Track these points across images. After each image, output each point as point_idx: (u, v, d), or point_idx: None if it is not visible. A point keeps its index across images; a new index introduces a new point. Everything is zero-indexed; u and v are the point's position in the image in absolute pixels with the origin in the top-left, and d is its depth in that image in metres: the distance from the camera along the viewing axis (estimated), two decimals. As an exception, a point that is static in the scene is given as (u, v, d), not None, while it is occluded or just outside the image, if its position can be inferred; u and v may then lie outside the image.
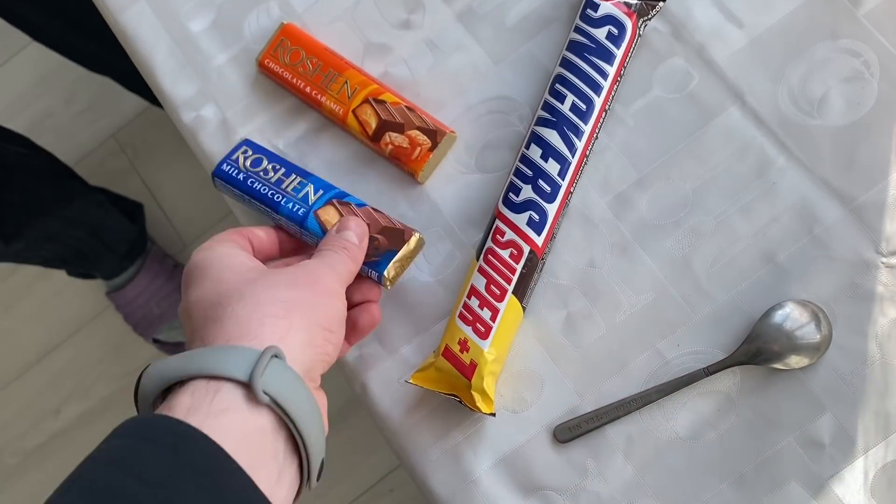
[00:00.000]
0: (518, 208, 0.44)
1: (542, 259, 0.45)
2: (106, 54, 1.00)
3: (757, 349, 0.43)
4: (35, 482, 1.20)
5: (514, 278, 0.44)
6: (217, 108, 0.51)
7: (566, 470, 0.44)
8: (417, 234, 0.44)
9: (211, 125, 0.51)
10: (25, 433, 1.21)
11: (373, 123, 0.48)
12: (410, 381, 0.44)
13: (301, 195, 0.45)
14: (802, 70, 0.46)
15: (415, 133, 0.47)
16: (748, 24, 0.47)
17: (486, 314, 0.43)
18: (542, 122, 0.46)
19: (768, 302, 0.43)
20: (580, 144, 0.45)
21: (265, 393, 0.32)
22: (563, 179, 0.45)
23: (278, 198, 0.45)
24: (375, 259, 0.43)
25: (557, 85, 0.46)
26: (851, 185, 0.44)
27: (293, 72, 0.49)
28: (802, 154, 0.45)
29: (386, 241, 0.44)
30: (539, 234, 0.44)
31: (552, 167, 0.45)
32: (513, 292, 0.44)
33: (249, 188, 0.46)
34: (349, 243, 0.42)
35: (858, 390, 0.42)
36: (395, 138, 0.47)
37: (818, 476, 0.42)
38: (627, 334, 0.45)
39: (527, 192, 0.45)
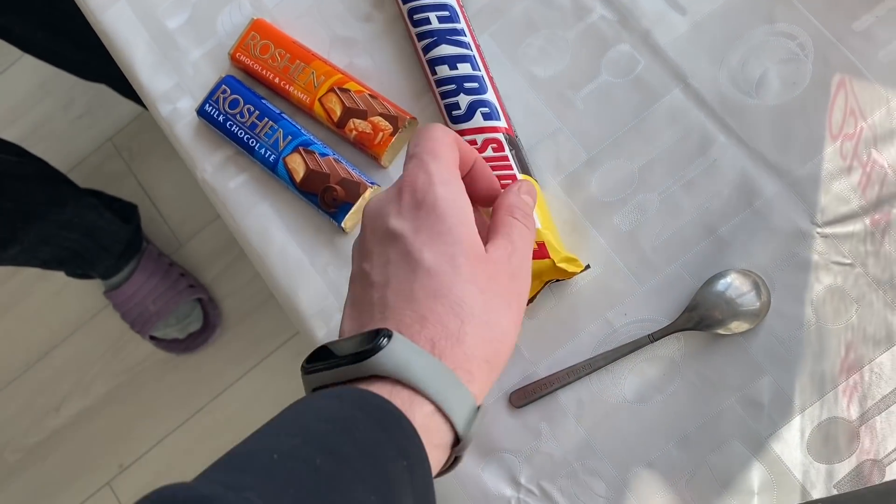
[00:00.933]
0: (467, 115, 0.47)
1: (517, 136, 0.48)
2: (96, 61, 1.03)
3: (700, 316, 0.45)
4: (36, 479, 1.23)
5: (512, 162, 0.47)
6: (193, 100, 0.54)
7: (521, 433, 0.47)
8: (373, 187, 0.47)
9: (187, 117, 0.54)
10: (27, 430, 1.24)
11: (338, 111, 0.51)
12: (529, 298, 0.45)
13: (272, 141, 0.49)
14: (741, 53, 0.48)
15: (377, 119, 0.50)
16: (690, 11, 0.49)
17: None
18: (428, 48, 0.49)
19: (711, 272, 0.46)
20: (468, 39, 0.49)
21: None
22: (479, 70, 0.48)
23: (252, 142, 0.49)
24: (334, 210, 0.46)
25: (414, 16, 0.49)
26: (788, 161, 0.47)
27: (263, 64, 0.52)
28: (742, 132, 0.47)
29: (343, 193, 0.47)
30: (499, 119, 0.47)
31: (464, 69, 0.48)
32: (521, 172, 0.47)
33: (228, 130, 0.50)
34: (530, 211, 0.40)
35: (795, 353, 0.45)
36: (358, 124, 0.50)
37: (758, 434, 0.44)
38: (578, 305, 0.47)
39: (462, 99, 0.48)
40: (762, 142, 0.47)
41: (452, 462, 0.36)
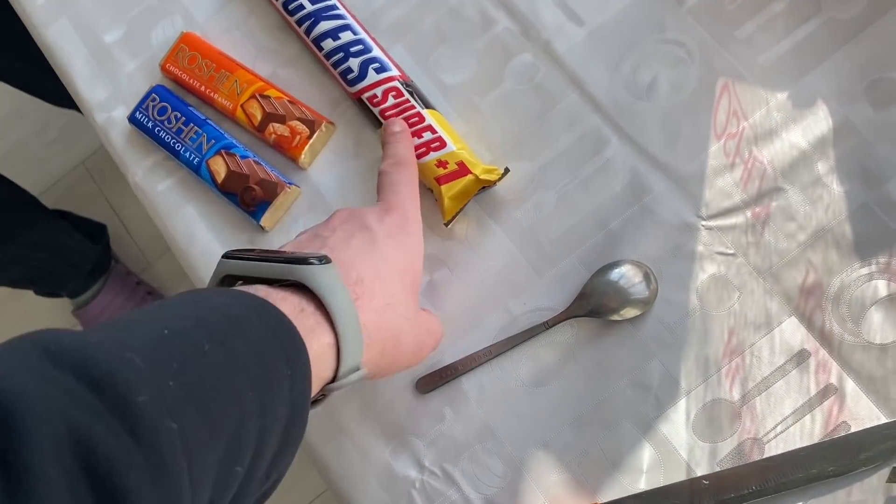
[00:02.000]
0: (361, 75, 0.52)
1: (411, 80, 0.52)
2: (65, 89, 1.07)
3: (592, 304, 0.48)
4: None
5: (413, 102, 0.51)
6: (126, 108, 0.57)
7: (426, 418, 0.49)
8: (290, 187, 0.50)
9: (120, 125, 0.57)
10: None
11: (258, 116, 0.54)
12: (445, 222, 0.49)
13: (196, 145, 0.52)
14: (634, 59, 0.51)
15: (295, 123, 0.53)
16: (587, 21, 0.53)
17: (427, 136, 0.50)
18: (309, 29, 0.53)
19: (603, 262, 0.49)
20: (342, 11, 0.53)
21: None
22: (359, 34, 0.52)
23: (178, 146, 0.52)
24: (252, 209, 0.49)
25: (289, 6, 0.53)
26: (676, 159, 0.50)
27: (190, 73, 0.55)
28: (634, 133, 0.50)
29: (262, 192, 0.50)
30: (390, 70, 0.51)
31: (346, 36, 0.52)
32: (423, 107, 0.51)
33: (156, 136, 0.53)
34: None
35: (681, 338, 0.47)
36: (278, 128, 0.53)
37: (646, 416, 0.47)
38: (481, 296, 0.50)
39: (352, 63, 0.52)
40: (652, 142, 0.50)
41: (317, 400, 0.39)
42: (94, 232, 1.19)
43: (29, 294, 1.24)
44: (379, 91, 0.51)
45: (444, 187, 0.49)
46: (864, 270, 0.46)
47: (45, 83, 1.07)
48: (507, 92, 0.53)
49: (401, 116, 0.50)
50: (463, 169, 0.49)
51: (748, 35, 0.50)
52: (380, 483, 0.48)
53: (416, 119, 0.50)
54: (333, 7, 0.53)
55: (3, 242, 1.01)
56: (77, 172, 1.33)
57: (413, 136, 0.50)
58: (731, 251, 0.48)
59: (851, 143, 0.48)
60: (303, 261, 0.37)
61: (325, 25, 0.53)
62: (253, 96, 0.54)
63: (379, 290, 0.40)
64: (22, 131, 1.35)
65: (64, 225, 1.11)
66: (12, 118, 1.35)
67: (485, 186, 0.50)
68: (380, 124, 0.51)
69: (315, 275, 0.37)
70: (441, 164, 0.49)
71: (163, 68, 0.56)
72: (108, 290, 1.20)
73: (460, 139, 0.51)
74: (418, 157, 0.50)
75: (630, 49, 0.52)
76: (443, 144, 0.50)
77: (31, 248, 1.07)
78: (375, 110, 0.51)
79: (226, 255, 0.40)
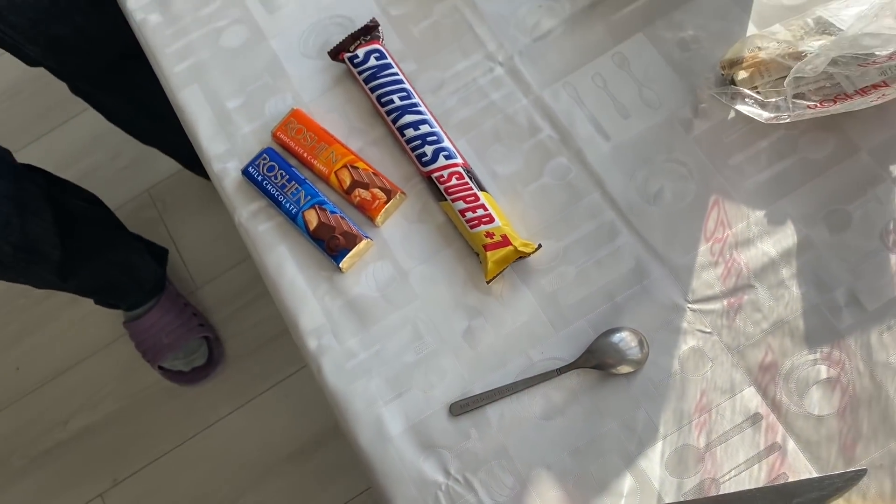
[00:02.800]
0: (433, 159, 0.66)
1: (470, 168, 0.66)
2: (160, 131, 1.22)
3: (596, 359, 0.61)
4: (36, 484, 1.34)
5: (472, 185, 0.65)
6: (239, 162, 0.71)
7: (455, 435, 0.61)
8: (365, 240, 0.64)
9: (233, 174, 0.71)
10: (35, 440, 1.37)
11: (347, 181, 0.68)
12: (487, 280, 0.63)
13: (295, 198, 0.66)
14: (646, 171, 0.65)
15: (376, 190, 0.67)
16: (613, 137, 0.67)
17: (480, 212, 0.63)
18: (396, 118, 0.68)
19: (607, 327, 0.62)
20: (423, 108, 0.68)
21: None
22: (435, 128, 0.67)
23: (281, 198, 0.66)
24: (335, 254, 0.63)
25: (382, 99, 0.68)
26: (672, 253, 0.63)
27: (296, 142, 0.70)
28: (641, 229, 0.64)
29: (344, 242, 0.64)
30: (456, 158, 0.66)
31: (424, 128, 0.67)
32: (479, 189, 0.64)
33: (263, 188, 0.67)
34: None
35: (663, 394, 0.60)
36: (361, 193, 0.67)
37: (630, 452, 0.59)
38: (508, 342, 0.63)
39: (427, 149, 0.66)
40: (654, 237, 0.64)
41: None
42: (159, 255, 1.33)
43: (86, 302, 1.37)
44: (445, 173, 0.65)
45: (489, 253, 0.62)
46: (811, 356, 0.59)
47: (144, 124, 1.23)
48: (545, 185, 0.67)
49: (460, 194, 0.64)
50: (505, 241, 0.63)
51: (738, 163, 0.64)
52: (413, 484, 0.60)
53: (473, 198, 0.64)
54: (416, 105, 0.68)
55: (89, 259, 1.14)
56: (141, 199, 1.48)
57: (468, 211, 0.64)
58: (709, 330, 0.61)
59: (810, 256, 0.61)
60: None
61: (408, 118, 0.67)
62: (344, 166, 0.68)
63: None
64: (98, 156, 1.50)
65: (139, 247, 1.25)
66: (90, 143, 1.51)
67: (521, 256, 0.63)
68: (443, 198, 0.65)
69: None
70: (489, 234, 0.63)
71: (274, 135, 0.70)
72: (159, 308, 1.33)
73: (505, 217, 0.65)
74: (471, 227, 0.64)
75: (644, 163, 0.66)
76: (491, 220, 0.63)
77: (109, 264, 1.20)
78: (441, 187, 0.65)
79: None
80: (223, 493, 1.28)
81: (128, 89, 1.10)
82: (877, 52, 0.53)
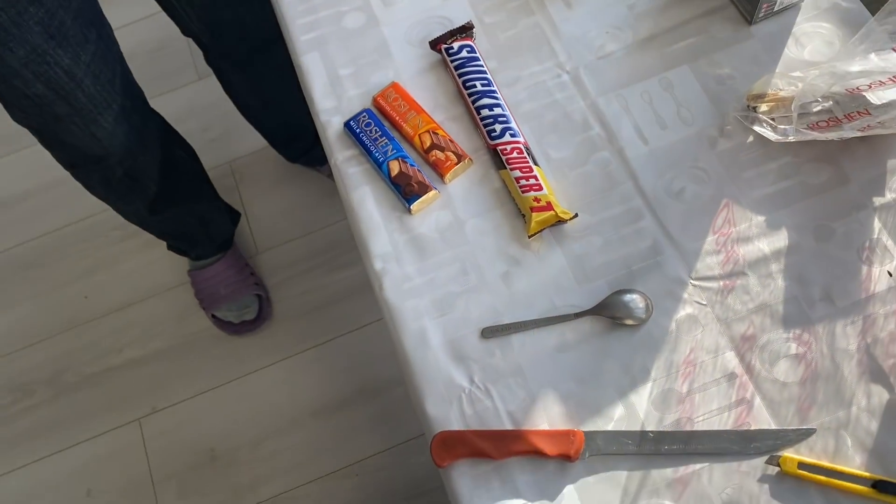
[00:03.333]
0: (500, 135, 0.80)
1: (529, 146, 0.80)
2: (263, 114, 1.41)
3: (609, 311, 0.74)
4: (83, 400, 1.48)
5: (528, 158, 0.79)
6: (341, 117, 0.87)
7: (483, 353, 0.74)
8: (434, 191, 0.78)
9: (335, 127, 0.87)
10: (89, 362, 1.51)
11: (427, 143, 0.83)
12: (529, 235, 0.76)
13: (384, 151, 0.80)
14: (673, 173, 0.79)
15: (449, 154, 0.82)
16: (650, 143, 0.81)
17: (532, 181, 0.78)
18: (475, 100, 0.83)
19: (622, 288, 0.75)
20: (499, 95, 0.83)
21: None
22: (506, 111, 0.82)
23: (372, 149, 0.81)
24: (408, 197, 0.77)
25: (466, 84, 0.84)
26: (684, 239, 0.77)
27: (391, 107, 0.85)
28: (662, 217, 0.78)
29: (417, 188, 0.78)
30: (518, 137, 0.81)
31: (497, 110, 0.82)
32: (533, 164, 0.79)
33: (359, 139, 0.82)
34: None
35: (659, 346, 0.73)
36: (437, 154, 0.82)
37: (624, 388, 0.71)
38: (537, 288, 0.76)
39: (496, 127, 0.81)
40: (672, 225, 0.77)
41: None
42: (234, 216, 1.49)
43: (157, 250, 1.54)
44: (508, 147, 0.80)
45: (534, 214, 0.77)
46: (784, 335, 0.71)
47: (254, 103, 1.41)
48: (587, 171, 0.81)
49: (517, 165, 0.79)
50: (549, 206, 0.77)
51: (749, 177, 0.78)
52: (443, 385, 0.73)
53: (527, 170, 0.79)
54: (494, 92, 0.83)
55: (176, 204, 1.31)
56: (222, 169, 1.65)
57: (522, 179, 0.78)
58: (704, 303, 0.74)
59: (797, 258, 0.74)
60: None
61: (485, 101, 0.82)
62: (427, 131, 0.83)
63: None
64: (191, 125, 1.68)
65: (218, 205, 1.42)
66: (189, 114, 1.69)
67: (559, 221, 0.77)
68: (503, 167, 0.80)
69: None
70: (536, 199, 0.77)
71: (374, 100, 0.86)
72: (223, 262, 1.49)
73: (551, 190, 0.79)
74: (522, 191, 0.78)
75: (672, 166, 0.80)
76: (540, 188, 0.78)
77: (190, 213, 1.37)
78: (503, 158, 0.80)
79: None
80: (248, 435, 1.41)
81: (254, 74, 1.29)
82: (860, 82, 0.67)
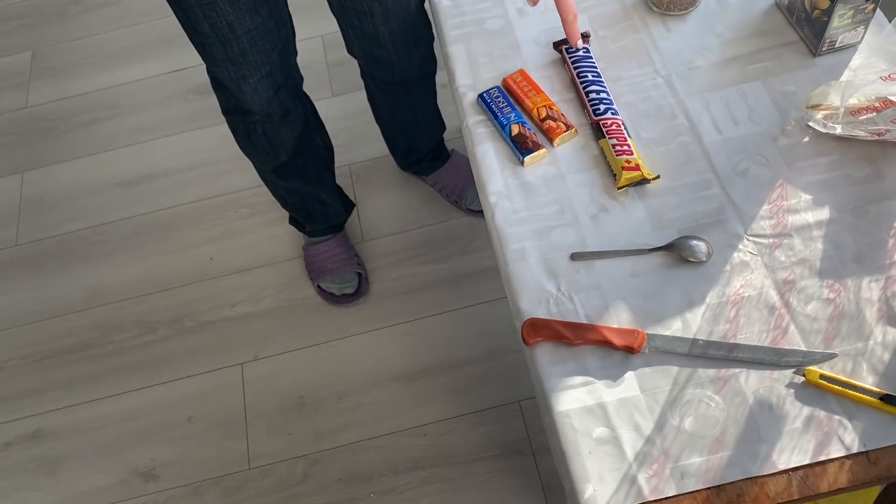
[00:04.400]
0: (603, 112, 1.01)
1: (625, 124, 1.00)
2: (393, 127, 1.68)
3: (676, 250, 0.92)
4: (196, 343, 1.70)
5: (624, 131, 0.99)
6: (475, 92, 1.09)
7: (570, 270, 0.93)
8: (544, 149, 0.99)
9: (469, 98, 1.09)
10: (205, 311, 1.74)
11: (543, 114, 1.04)
12: (618, 187, 0.96)
13: (507, 116, 1.02)
14: (740, 157, 0.98)
15: (559, 123, 1.03)
16: (724, 133, 1.00)
17: (625, 148, 0.97)
18: (586, 85, 1.04)
19: (689, 233, 0.93)
20: (605, 83, 1.04)
21: None
22: (609, 96, 1.02)
23: (498, 114, 1.03)
24: (523, 152, 0.98)
25: (580, 74, 1.05)
26: (745, 205, 0.94)
27: (517, 86, 1.07)
28: (728, 188, 0.96)
29: (531, 146, 0.99)
30: (618, 115, 1.01)
31: (602, 95, 1.03)
32: (628, 136, 0.99)
33: (488, 106, 1.04)
34: None
35: (715, 280, 0.90)
36: (550, 123, 1.03)
37: (682, 308, 0.88)
38: (619, 230, 0.95)
39: (600, 107, 1.02)
40: (736, 194, 0.95)
41: None
42: (347, 205, 1.73)
43: (278, 227, 1.77)
44: (609, 121, 1.01)
45: (624, 171, 0.96)
46: (819, 283, 0.88)
47: (388, 118, 1.67)
48: (671, 149, 1.00)
49: (615, 135, 0.99)
50: (637, 167, 0.96)
51: (803, 166, 0.96)
52: (536, 290, 0.92)
53: (623, 139, 0.99)
54: (601, 82, 1.04)
55: (301, 179, 1.55)
56: (344, 169, 1.89)
57: (617, 146, 0.98)
58: (756, 253, 0.91)
59: (835, 227, 0.91)
60: None
61: (594, 87, 1.04)
62: (544, 105, 1.05)
63: None
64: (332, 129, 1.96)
65: (338, 193, 1.66)
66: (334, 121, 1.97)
67: (644, 180, 0.96)
68: (602, 137, 1.00)
69: None
70: (627, 161, 0.97)
71: (504, 80, 1.09)
72: (334, 241, 1.71)
73: (640, 157, 0.98)
74: (616, 154, 0.98)
75: (740, 152, 0.99)
76: (631, 153, 0.97)
77: (312, 192, 1.60)
78: (604, 129, 1.00)
79: None
80: (335, 388, 1.59)
81: (393, 100, 1.55)
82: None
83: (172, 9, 1.19)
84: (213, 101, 1.45)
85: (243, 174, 1.90)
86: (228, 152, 1.93)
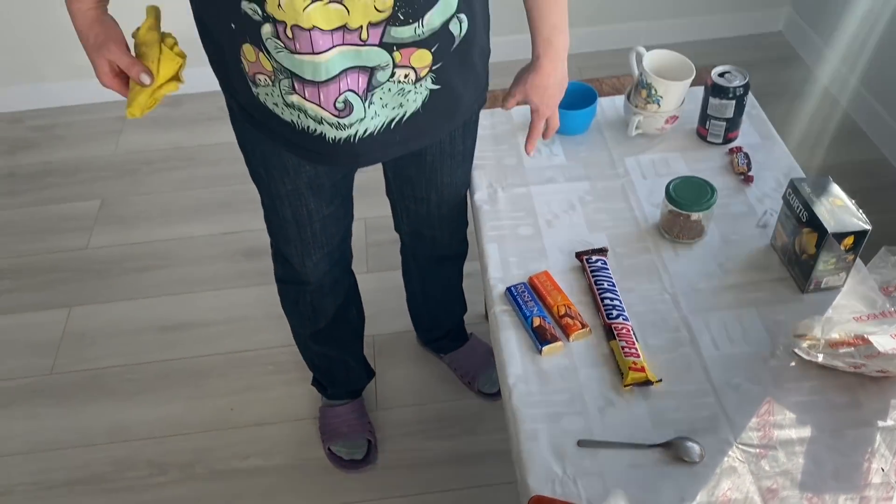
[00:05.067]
0: (615, 318, 1.14)
1: (634, 329, 1.11)
2: (420, 305, 1.84)
3: (673, 450, 1.01)
4: (203, 491, 1.74)
5: (633, 337, 1.11)
6: (503, 285, 1.24)
7: (576, 457, 1.02)
8: (561, 342, 1.12)
9: (498, 290, 1.24)
10: (219, 459, 1.79)
11: (562, 312, 1.18)
12: (625, 384, 1.08)
13: (530, 310, 1.17)
14: (733, 373, 1.10)
15: (576, 322, 1.17)
16: (721, 350, 1.13)
17: (633, 351, 1.09)
18: (601, 292, 1.19)
19: (685, 435, 1.03)
20: (618, 292, 1.17)
21: None
22: (621, 304, 1.15)
23: (523, 307, 1.17)
24: (543, 340, 1.12)
25: (596, 281, 1.20)
26: (735, 416, 1.05)
27: (541, 285, 1.23)
28: (722, 399, 1.07)
29: (549, 337, 1.12)
30: (628, 322, 1.13)
31: (615, 302, 1.16)
32: (636, 341, 1.11)
33: (514, 299, 1.19)
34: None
35: (706, 481, 0.98)
36: (567, 320, 1.17)
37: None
38: (625, 424, 1.05)
39: (613, 312, 1.15)
40: (729, 406, 1.07)
41: None
42: (369, 373, 1.84)
43: (300, 388, 1.88)
44: (620, 326, 1.14)
45: (631, 371, 1.08)
46: (799, 494, 0.96)
47: (418, 292, 1.83)
48: (673, 358, 1.13)
49: (624, 339, 1.12)
50: (643, 370, 1.09)
51: (789, 387, 1.08)
52: (543, 470, 1.01)
53: (631, 343, 1.12)
54: (615, 290, 1.20)
55: (332, 345, 1.68)
56: (367, 339, 2.00)
57: (626, 348, 1.11)
58: (743, 461, 1.00)
59: (815, 446, 1.01)
60: None
61: (608, 295, 1.19)
62: (563, 304, 1.19)
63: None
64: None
65: (362, 361, 1.78)
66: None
67: (647, 381, 1.08)
68: (613, 338, 1.13)
69: None
70: (634, 363, 1.09)
71: (530, 279, 1.24)
72: (350, 407, 1.80)
73: (645, 360, 1.11)
74: (625, 355, 1.10)
75: (734, 368, 1.11)
76: (638, 356, 1.10)
77: (340, 357, 1.72)
78: (615, 332, 1.14)
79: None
80: (331, 553, 1.61)
81: (429, 274, 1.72)
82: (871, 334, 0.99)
83: (260, 193, 1.37)
84: (257, 264, 1.61)
85: (274, 333, 2.03)
86: (264, 311, 2.08)
